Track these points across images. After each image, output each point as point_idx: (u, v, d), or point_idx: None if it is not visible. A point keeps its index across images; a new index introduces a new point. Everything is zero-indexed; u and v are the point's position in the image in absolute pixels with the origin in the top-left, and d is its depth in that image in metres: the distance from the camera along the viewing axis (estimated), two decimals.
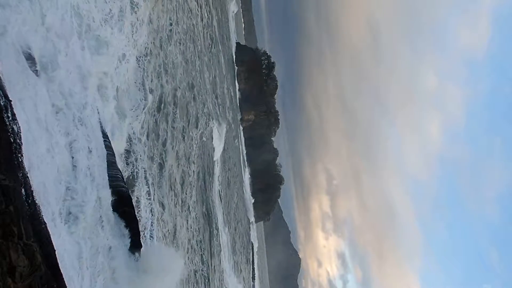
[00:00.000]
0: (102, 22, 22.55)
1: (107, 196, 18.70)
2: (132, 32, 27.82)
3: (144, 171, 27.74)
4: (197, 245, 41.77)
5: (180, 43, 44.46)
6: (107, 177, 19.47)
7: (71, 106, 16.94)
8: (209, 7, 75.63)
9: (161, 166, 31.87)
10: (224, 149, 70.20)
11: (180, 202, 36.40)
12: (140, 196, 26.40)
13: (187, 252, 37.25)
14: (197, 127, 47.81)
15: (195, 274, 38.72)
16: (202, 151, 50.44)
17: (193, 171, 43.74)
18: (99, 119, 20.68)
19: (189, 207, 39.95)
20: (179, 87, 41.08)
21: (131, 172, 25.67)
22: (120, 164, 23.49)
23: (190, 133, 44.01)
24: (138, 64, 29.04)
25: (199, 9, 62.04)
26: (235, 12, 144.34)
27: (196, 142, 46.51)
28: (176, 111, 38.34)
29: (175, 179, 35.91)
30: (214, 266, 48.98)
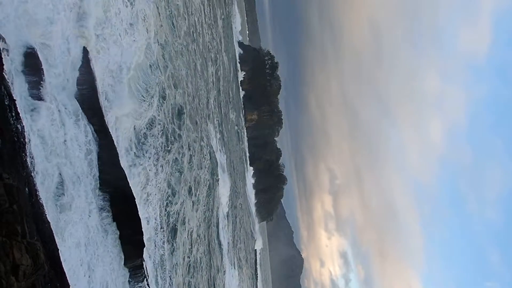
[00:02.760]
0: None
1: None
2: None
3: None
4: (201, 237, 42.27)
5: (185, 43, 44.56)
6: None
7: None
8: (214, 9, 75.73)
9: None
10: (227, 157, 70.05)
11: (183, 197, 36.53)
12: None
13: (191, 243, 37.65)
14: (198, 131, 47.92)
15: (196, 264, 39.00)
16: (204, 154, 50.51)
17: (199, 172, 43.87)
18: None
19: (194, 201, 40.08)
20: (186, 92, 41.37)
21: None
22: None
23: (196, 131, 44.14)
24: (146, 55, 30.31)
25: (203, 9, 62.16)
26: (238, 29, 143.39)
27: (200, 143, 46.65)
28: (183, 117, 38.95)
29: (186, 175, 36.39)
30: (216, 260, 49.11)
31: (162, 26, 35.92)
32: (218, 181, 56.43)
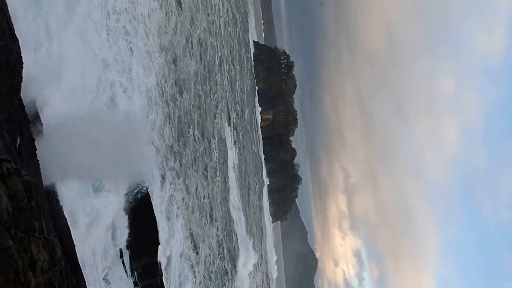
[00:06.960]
0: None
1: None
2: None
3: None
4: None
5: (201, 42, 44.76)
6: None
7: None
8: (231, 8, 75.85)
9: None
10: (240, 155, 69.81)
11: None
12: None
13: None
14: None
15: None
16: (219, 154, 50.65)
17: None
18: None
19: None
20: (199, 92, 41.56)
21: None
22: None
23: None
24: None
25: (220, 9, 62.35)
26: (254, 29, 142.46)
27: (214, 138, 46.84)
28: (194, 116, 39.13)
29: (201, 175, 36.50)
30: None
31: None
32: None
